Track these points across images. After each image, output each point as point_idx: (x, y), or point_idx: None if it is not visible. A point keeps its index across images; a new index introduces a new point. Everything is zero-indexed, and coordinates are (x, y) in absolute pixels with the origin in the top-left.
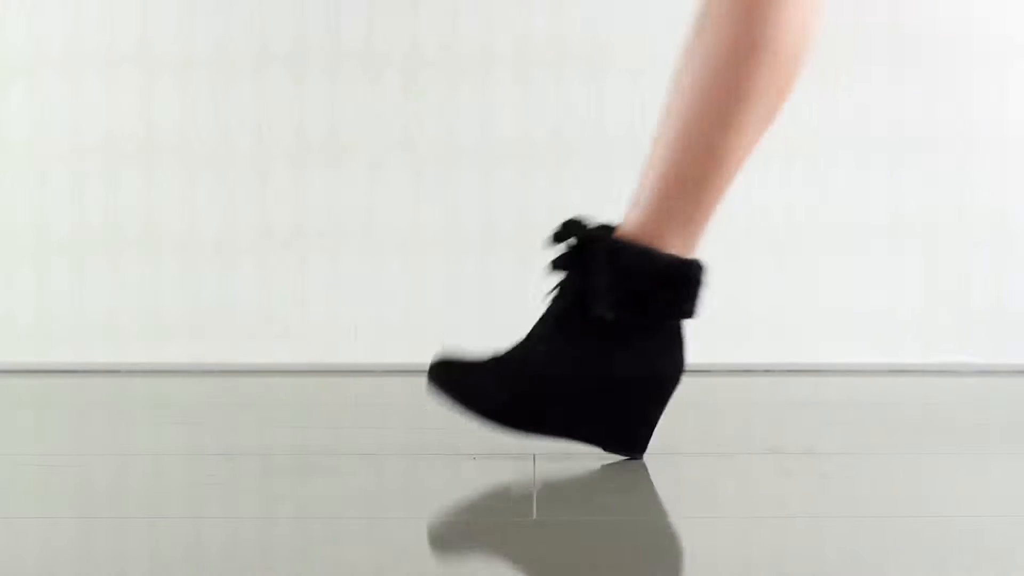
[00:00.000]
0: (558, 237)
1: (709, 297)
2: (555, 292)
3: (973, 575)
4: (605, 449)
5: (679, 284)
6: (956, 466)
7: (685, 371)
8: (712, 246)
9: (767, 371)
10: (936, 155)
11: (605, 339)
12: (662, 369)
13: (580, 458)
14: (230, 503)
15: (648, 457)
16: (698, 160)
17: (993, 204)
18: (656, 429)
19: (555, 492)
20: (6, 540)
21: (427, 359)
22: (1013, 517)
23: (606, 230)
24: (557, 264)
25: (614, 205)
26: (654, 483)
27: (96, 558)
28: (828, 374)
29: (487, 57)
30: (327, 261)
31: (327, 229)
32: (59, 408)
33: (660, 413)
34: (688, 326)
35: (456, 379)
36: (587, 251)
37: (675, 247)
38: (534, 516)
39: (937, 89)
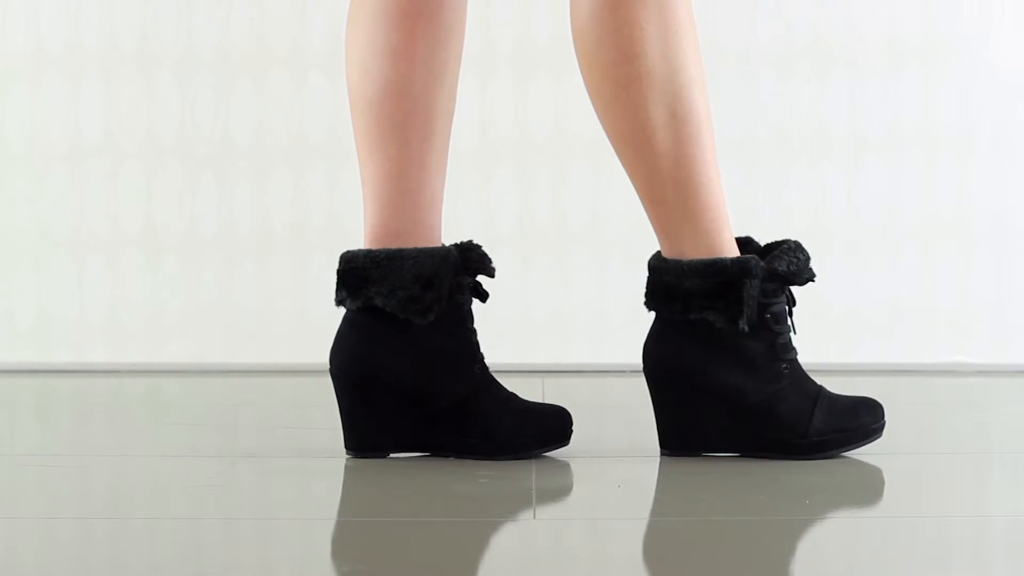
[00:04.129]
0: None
1: None
2: None
3: (973, 575)
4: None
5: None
6: (956, 466)
7: (334, 363)
8: None
9: None
10: (936, 155)
11: None
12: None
13: (580, 458)
14: (230, 504)
15: (648, 457)
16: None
17: (993, 204)
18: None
19: (555, 492)
20: (6, 540)
21: None
22: (1013, 517)
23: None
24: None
25: (614, 204)
26: (654, 483)
27: (96, 558)
28: (828, 374)
29: (487, 57)
30: (327, 261)
31: (327, 229)
32: (59, 408)
33: (344, 405)
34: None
35: None
36: None
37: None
38: (534, 516)
39: (937, 89)
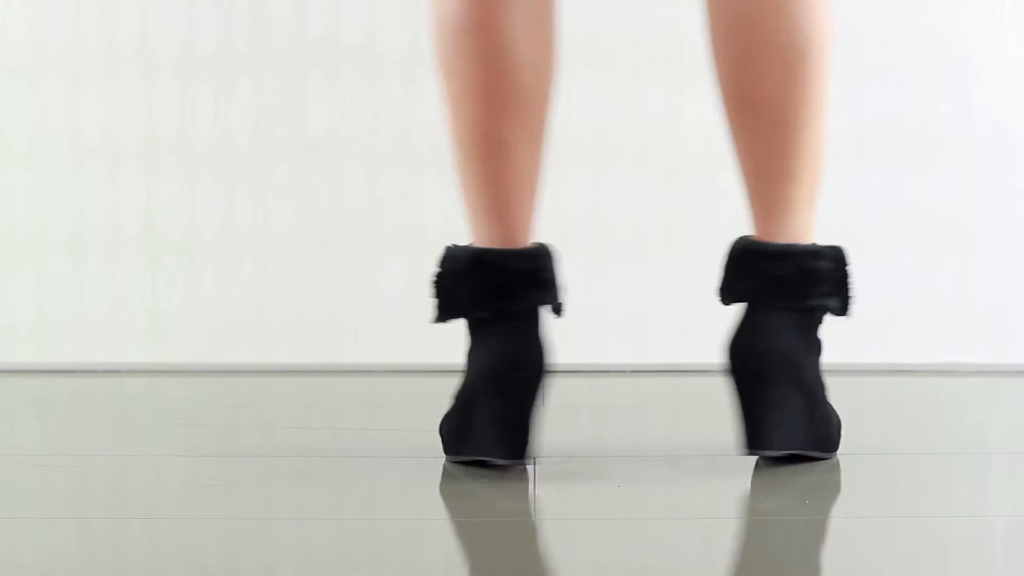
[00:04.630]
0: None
1: (710, 298)
2: None
3: (973, 575)
4: (494, 459)
5: (483, 275)
6: (956, 466)
7: (541, 363)
8: (713, 247)
9: None
10: (936, 155)
11: (469, 351)
12: (499, 365)
13: (580, 458)
14: (230, 504)
15: (648, 458)
16: (452, 152)
17: (993, 204)
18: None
19: (555, 492)
20: (6, 540)
21: (427, 359)
22: (1013, 517)
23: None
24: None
25: (613, 204)
26: (654, 483)
27: (96, 558)
28: (828, 374)
29: None
30: (327, 261)
31: (327, 229)
32: (59, 408)
33: (524, 411)
34: (690, 325)
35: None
36: None
37: (491, 240)
38: (534, 516)
39: (937, 89)
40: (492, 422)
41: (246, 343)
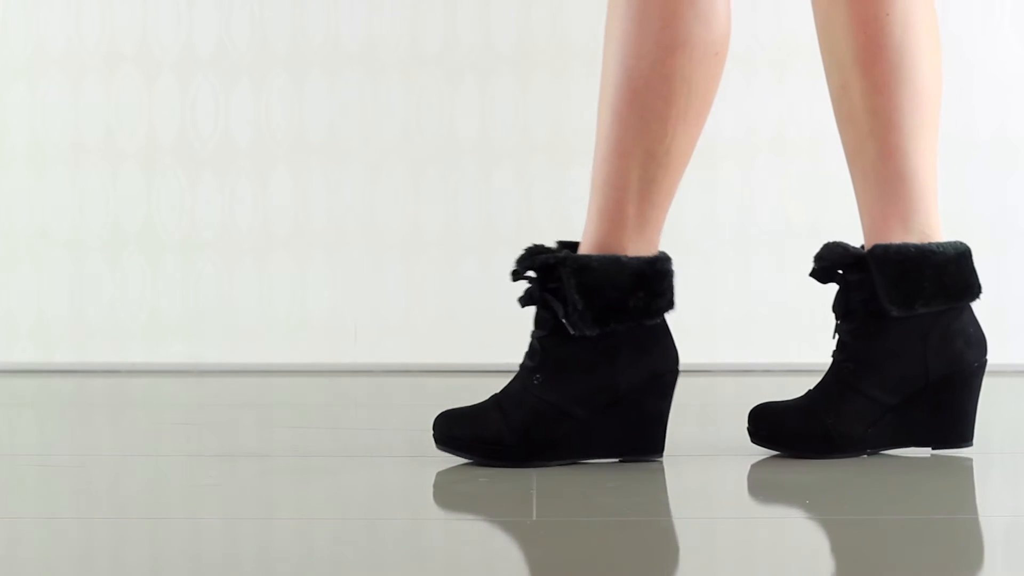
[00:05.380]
0: (517, 272)
1: (711, 298)
2: (534, 325)
3: (973, 575)
4: (624, 459)
5: (650, 283)
6: (956, 466)
7: (680, 361)
8: (713, 247)
9: (767, 371)
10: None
11: (596, 354)
12: (658, 366)
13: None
14: (230, 504)
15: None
16: (639, 164)
17: (993, 205)
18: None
19: (555, 492)
20: (6, 540)
21: (427, 359)
22: (1013, 517)
23: (567, 249)
24: (525, 301)
25: None
26: (654, 483)
27: (96, 558)
28: (821, 373)
29: (487, 57)
30: (327, 261)
31: (327, 229)
32: (59, 408)
33: (668, 408)
34: (691, 325)
35: (463, 434)
36: (553, 277)
37: (636, 250)
38: (534, 516)
39: None
40: (657, 420)
41: (246, 343)
